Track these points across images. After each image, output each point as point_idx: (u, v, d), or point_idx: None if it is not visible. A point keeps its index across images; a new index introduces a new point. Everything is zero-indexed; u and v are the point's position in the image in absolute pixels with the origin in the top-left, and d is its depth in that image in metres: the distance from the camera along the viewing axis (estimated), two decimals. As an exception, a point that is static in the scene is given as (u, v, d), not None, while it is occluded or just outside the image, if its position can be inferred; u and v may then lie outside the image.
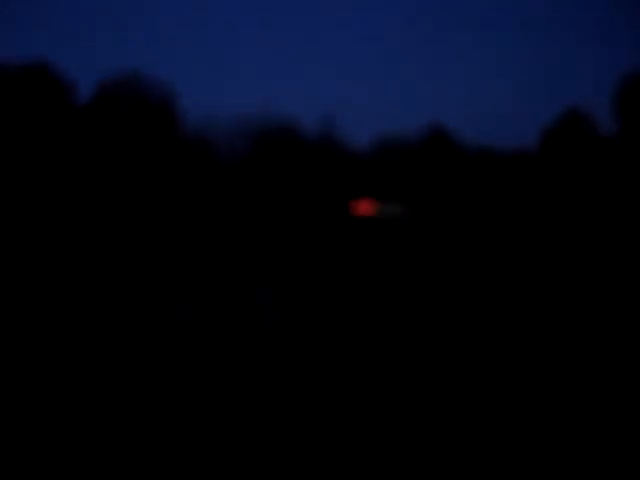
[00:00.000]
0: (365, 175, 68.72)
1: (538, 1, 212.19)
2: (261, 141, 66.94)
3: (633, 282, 17.51)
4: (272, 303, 14.90)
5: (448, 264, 24.45)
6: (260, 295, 16.94)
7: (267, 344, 11.92)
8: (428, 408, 7.98)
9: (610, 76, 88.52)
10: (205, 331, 12.08)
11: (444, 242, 42.40)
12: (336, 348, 11.51)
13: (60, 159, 54.39)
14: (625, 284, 17.05)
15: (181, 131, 63.91)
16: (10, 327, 13.72)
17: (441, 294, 16.06)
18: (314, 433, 6.97)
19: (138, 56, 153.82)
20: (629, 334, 11.55)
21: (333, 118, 67.75)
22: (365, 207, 69.41)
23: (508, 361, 10.01)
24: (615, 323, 12.20)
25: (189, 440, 6.92)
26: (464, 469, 6.02)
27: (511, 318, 13.50)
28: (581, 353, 10.57)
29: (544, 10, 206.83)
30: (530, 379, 9.27)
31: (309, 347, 11.59)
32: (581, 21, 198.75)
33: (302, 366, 10.31)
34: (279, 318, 13.22)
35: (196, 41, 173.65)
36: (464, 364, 10.00)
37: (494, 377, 9.28)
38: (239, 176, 63.88)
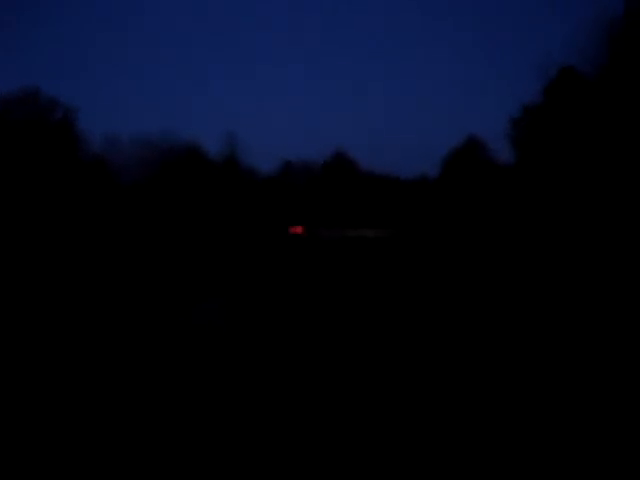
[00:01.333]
0: (270, 196, 69.74)
1: (442, 33, 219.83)
2: (164, 163, 66.72)
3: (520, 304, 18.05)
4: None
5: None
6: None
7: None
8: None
9: (510, 107, 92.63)
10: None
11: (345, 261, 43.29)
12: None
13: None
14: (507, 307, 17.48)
15: (82, 151, 62.98)
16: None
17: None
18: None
19: (37, 75, 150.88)
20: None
21: (236, 140, 68.43)
22: (297, 229, 72.03)
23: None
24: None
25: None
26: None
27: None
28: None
29: (446, 43, 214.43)
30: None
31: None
32: (485, 54, 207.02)
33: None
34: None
35: (100, 60, 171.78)
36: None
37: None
38: (141, 197, 63.38)
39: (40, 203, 53.24)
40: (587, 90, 39.58)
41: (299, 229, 71.43)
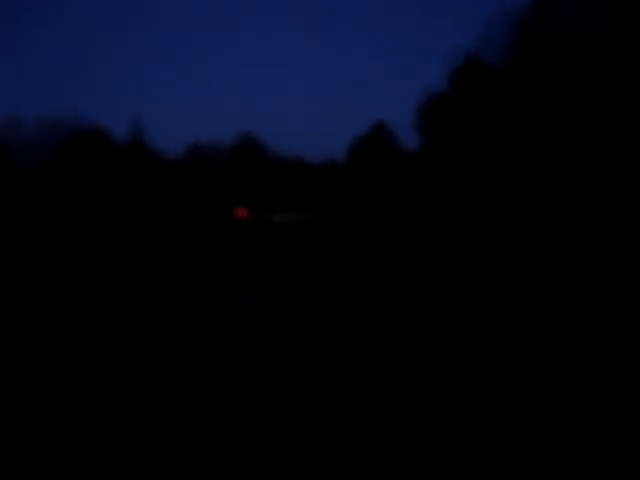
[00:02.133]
0: (177, 179, 68.60)
1: (351, 17, 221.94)
2: (68, 145, 64.36)
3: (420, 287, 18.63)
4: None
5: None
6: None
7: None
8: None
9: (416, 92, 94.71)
10: None
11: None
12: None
13: None
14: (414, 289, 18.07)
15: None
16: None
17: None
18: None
19: None
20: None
21: (140, 120, 66.91)
22: (241, 213, 70.47)
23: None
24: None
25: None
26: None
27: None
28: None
29: (353, 25, 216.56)
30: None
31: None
32: (391, 36, 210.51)
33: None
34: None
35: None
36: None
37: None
38: (42, 179, 60.94)
39: None
40: (492, 79, 41.12)
41: (242, 212, 69.50)
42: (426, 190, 57.20)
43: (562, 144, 33.15)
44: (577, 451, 6.29)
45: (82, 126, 64.49)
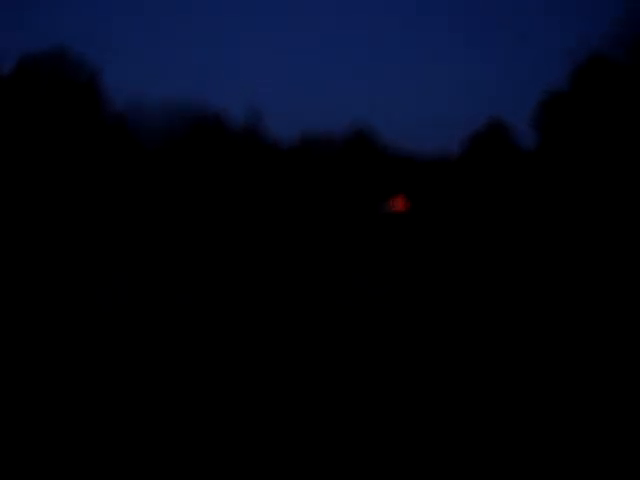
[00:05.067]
0: (290, 168, 69.56)
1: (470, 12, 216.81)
2: (187, 128, 66.66)
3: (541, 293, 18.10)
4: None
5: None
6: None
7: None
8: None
9: (535, 91, 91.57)
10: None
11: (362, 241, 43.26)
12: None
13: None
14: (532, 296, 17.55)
15: (106, 112, 63.04)
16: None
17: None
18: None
19: (68, 34, 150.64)
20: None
21: (259, 110, 68.30)
22: (400, 203, 70.38)
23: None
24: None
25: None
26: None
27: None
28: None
29: (477, 20, 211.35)
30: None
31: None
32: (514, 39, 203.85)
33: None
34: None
35: (129, 27, 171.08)
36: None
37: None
38: (165, 162, 63.46)
39: (62, 162, 53.56)
40: (618, 77, 38.99)
41: (400, 203, 68.22)
42: (544, 190, 55.34)
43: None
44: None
45: (203, 111, 66.57)
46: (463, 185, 70.57)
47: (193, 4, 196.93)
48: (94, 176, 55.42)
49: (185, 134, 65.78)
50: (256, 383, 8.67)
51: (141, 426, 7.16)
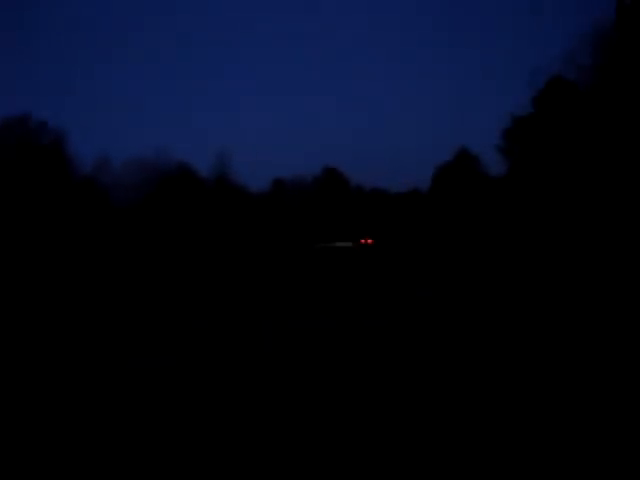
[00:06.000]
0: (265, 213, 69.84)
1: (430, 46, 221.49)
2: (157, 184, 66.63)
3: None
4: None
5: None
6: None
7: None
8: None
9: (501, 119, 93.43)
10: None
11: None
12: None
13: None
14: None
15: (73, 173, 62.81)
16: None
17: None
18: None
19: (29, 101, 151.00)
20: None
21: (227, 159, 68.55)
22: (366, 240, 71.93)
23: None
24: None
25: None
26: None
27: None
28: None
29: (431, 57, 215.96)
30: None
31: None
32: (475, 69, 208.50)
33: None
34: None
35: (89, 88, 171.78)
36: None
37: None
38: (133, 218, 63.19)
39: (32, 223, 53.01)
40: (577, 98, 39.78)
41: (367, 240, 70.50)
42: (514, 213, 55.84)
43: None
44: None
45: (168, 165, 66.67)
46: (435, 213, 71.32)
47: (146, 62, 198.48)
48: (63, 235, 54.82)
49: (154, 187, 65.74)
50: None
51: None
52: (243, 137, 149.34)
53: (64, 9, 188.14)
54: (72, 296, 24.40)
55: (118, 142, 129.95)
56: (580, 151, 39.49)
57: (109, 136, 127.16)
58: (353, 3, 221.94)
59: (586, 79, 38.51)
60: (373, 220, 73.01)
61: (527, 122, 49.90)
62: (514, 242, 50.70)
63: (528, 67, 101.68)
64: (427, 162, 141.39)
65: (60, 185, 58.65)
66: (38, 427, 7.42)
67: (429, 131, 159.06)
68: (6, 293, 25.65)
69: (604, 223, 35.44)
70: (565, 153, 42.19)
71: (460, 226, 67.42)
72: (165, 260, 53.95)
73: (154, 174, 66.22)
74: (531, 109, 48.80)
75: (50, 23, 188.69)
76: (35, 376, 10.22)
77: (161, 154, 67.15)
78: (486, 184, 71.41)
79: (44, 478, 5.96)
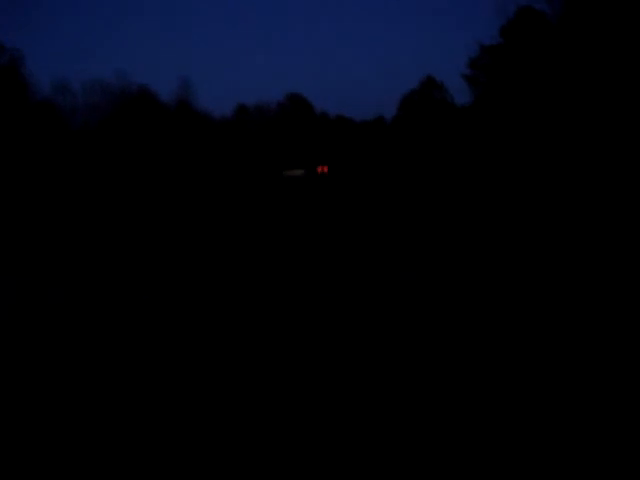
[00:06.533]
0: (228, 140, 68.59)
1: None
2: (117, 107, 64.79)
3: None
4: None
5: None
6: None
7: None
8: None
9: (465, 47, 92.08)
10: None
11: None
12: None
13: None
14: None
15: (30, 95, 60.67)
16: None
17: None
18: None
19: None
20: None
21: (189, 82, 66.80)
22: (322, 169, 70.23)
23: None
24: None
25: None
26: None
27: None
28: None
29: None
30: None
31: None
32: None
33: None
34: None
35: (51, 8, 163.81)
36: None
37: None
38: (94, 142, 61.65)
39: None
40: (547, 29, 39.41)
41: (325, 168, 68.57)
42: (480, 145, 55.81)
43: (624, 97, 31.56)
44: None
45: (129, 88, 64.75)
46: (400, 143, 70.99)
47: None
48: (20, 158, 53.28)
49: (114, 110, 63.96)
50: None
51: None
52: (206, 62, 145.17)
53: None
54: (24, 220, 23.94)
55: (78, 65, 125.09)
56: (549, 83, 39.36)
57: (68, 60, 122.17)
58: None
59: (556, 9, 38.07)
60: (335, 148, 72.52)
61: (495, 51, 49.42)
62: (476, 176, 50.87)
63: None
64: (394, 91, 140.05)
65: (16, 107, 56.66)
66: None
67: (396, 60, 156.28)
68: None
69: (573, 160, 35.67)
70: (533, 84, 42.04)
71: (424, 156, 67.30)
72: (125, 185, 53.12)
73: (114, 97, 64.34)
74: (500, 39, 48.28)
75: None
76: None
77: (121, 77, 65.09)
78: (452, 113, 71.08)
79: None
